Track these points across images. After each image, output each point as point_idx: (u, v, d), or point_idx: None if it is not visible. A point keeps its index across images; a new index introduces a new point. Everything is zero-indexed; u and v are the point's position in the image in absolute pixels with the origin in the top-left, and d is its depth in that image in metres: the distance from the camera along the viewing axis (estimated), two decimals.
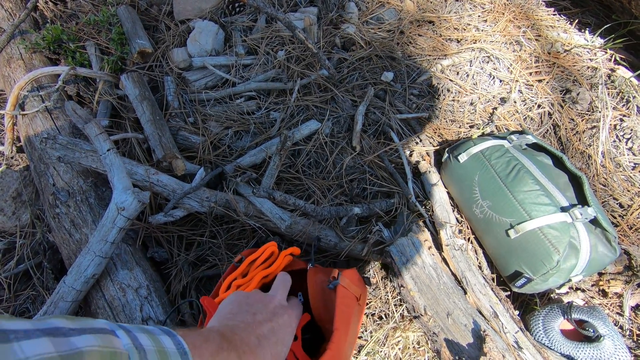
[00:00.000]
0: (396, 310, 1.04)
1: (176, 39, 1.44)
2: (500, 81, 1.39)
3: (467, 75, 1.40)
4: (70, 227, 1.01)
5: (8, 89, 1.25)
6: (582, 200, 0.91)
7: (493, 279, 1.01)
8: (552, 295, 1.03)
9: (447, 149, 1.12)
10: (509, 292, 0.99)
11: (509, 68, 1.41)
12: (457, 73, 1.41)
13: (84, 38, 1.42)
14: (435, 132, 1.29)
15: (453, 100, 1.35)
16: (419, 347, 1.00)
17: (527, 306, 1.03)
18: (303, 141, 1.27)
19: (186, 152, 1.22)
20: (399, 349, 1.00)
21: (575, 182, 0.95)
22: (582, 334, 0.84)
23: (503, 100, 1.35)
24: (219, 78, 1.38)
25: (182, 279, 1.05)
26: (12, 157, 1.31)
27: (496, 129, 1.28)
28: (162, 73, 1.37)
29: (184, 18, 1.49)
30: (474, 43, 1.46)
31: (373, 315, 1.06)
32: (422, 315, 0.84)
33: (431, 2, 1.62)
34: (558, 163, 1.00)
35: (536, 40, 1.49)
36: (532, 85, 1.38)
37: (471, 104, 1.35)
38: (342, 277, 0.83)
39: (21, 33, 1.34)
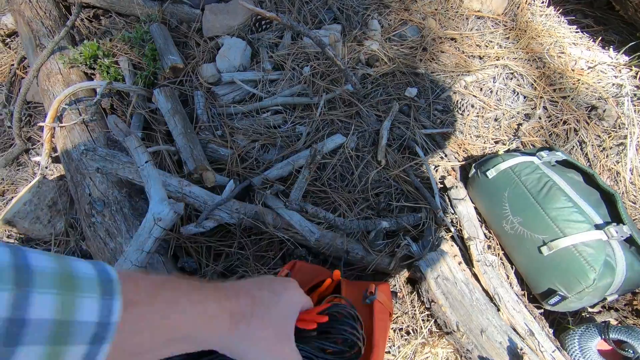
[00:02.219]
0: (424, 326, 1.03)
1: (205, 55, 1.49)
2: (525, 97, 1.40)
3: (491, 92, 1.41)
4: (105, 236, 1.03)
5: (47, 102, 1.30)
6: (616, 218, 0.90)
7: (524, 296, 1.00)
8: (584, 314, 1.01)
9: (474, 165, 1.13)
10: (542, 310, 0.98)
11: (532, 84, 1.42)
12: (481, 89, 1.42)
13: (117, 54, 1.48)
14: (460, 147, 1.29)
15: (477, 116, 1.36)
16: None
17: (558, 325, 1.01)
18: (329, 155, 1.29)
19: (215, 165, 1.25)
20: None
21: (608, 199, 0.95)
22: (621, 355, 0.83)
23: (528, 117, 1.35)
24: (247, 92, 1.41)
25: None
26: (46, 167, 1.36)
27: (522, 144, 1.28)
28: (192, 88, 1.41)
29: (213, 35, 1.55)
30: (497, 60, 1.48)
31: (400, 330, 1.05)
32: (454, 331, 0.84)
33: (453, 20, 1.65)
34: (589, 180, 1.00)
35: (559, 57, 1.50)
36: (557, 102, 1.38)
37: (495, 119, 1.36)
38: (378, 292, 0.83)
39: (60, 49, 1.40)
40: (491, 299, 0.89)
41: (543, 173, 0.98)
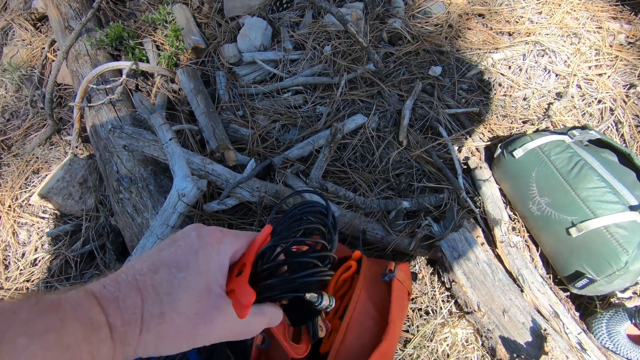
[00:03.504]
0: (444, 307, 1.02)
1: (227, 35, 1.49)
2: (557, 75, 1.33)
3: (520, 70, 1.35)
4: (132, 212, 1.07)
5: (76, 83, 1.34)
6: None
7: (550, 279, 0.97)
8: (613, 300, 0.97)
9: (500, 145, 1.09)
10: (568, 293, 0.95)
11: (566, 62, 1.35)
12: (509, 67, 1.36)
13: (142, 35, 1.50)
14: (485, 128, 1.25)
15: (505, 95, 1.30)
16: (468, 345, 0.98)
17: (585, 309, 0.98)
18: (349, 135, 1.28)
19: (236, 144, 1.27)
20: (447, 345, 0.98)
21: None
22: None
23: (559, 95, 1.29)
24: (267, 73, 1.41)
25: None
26: (76, 147, 1.41)
27: (552, 124, 1.23)
28: (213, 68, 1.42)
29: (234, 15, 1.54)
30: (528, 36, 1.41)
31: (419, 310, 1.05)
32: (475, 311, 0.83)
33: None
34: (624, 160, 0.95)
35: (596, 32, 1.41)
36: (592, 80, 1.31)
37: (524, 99, 1.30)
38: (398, 271, 0.83)
39: (87, 31, 1.44)
40: (514, 280, 0.87)
41: (574, 152, 0.93)
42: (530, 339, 0.75)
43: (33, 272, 1.19)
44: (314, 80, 1.37)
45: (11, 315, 0.25)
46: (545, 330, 0.74)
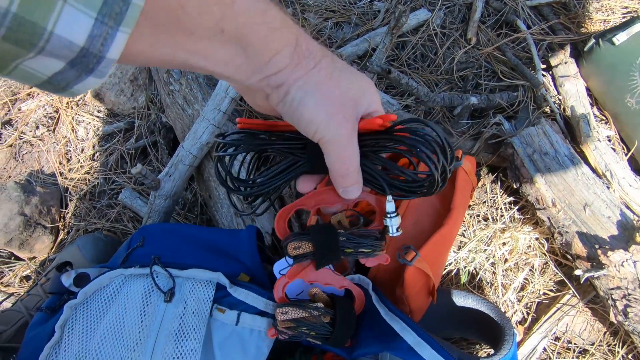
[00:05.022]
0: (505, 214, 0.95)
1: None
2: None
3: None
4: (183, 103, 1.05)
5: None
6: None
7: None
8: None
9: (593, 35, 0.93)
10: None
11: None
12: None
13: None
14: (573, 22, 1.07)
15: None
16: (530, 251, 0.92)
17: None
18: (410, 32, 1.15)
19: None
20: (506, 250, 0.93)
21: None
22: None
23: None
24: None
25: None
26: None
27: None
28: None
29: None
30: None
31: (478, 216, 0.99)
32: (548, 207, 0.75)
33: None
34: None
35: None
36: None
37: None
38: (464, 161, 0.76)
39: None
40: (600, 177, 0.77)
41: None
42: (616, 232, 0.67)
43: (92, 165, 1.24)
44: None
45: None
46: (637, 220, 0.66)
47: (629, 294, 0.60)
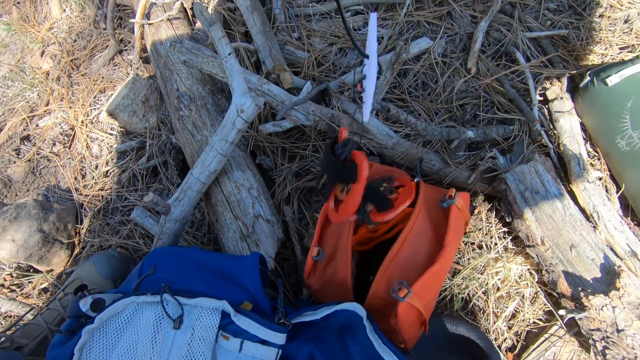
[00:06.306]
0: (499, 243, 0.99)
1: None
2: None
3: None
4: (192, 129, 1.11)
5: (135, 0, 1.34)
6: None
7: (629, 218, 0.89)
8: None
9: (589, 72, 0.96)
10: None
11: None
12: None
13: None
14: (571, 55, 1.10)
15: (601, 17, 1.11)
16: (522, 281, 0.96)
17: None
18: (411, 61, 1.19)
19: (291, 67, 1.23)
20: (499, 279, 0.97)
21: None
22: None
23: None
24: None
25: (286, 187, 1.11)
26: (137, 68, 1.45)
27: None
28: None
29: None
30: None
31: (472, 244, 1.03)
32: (537, 245, 0.79)
33: None
34: None
35: None
36: None
37: (626, 21, 1.10)
38: (458, 198, 0.80)
39: None
40: (588, 218, 0.80)
41: None
42: (599, 275, 0.71)
43: (106, 182, 1.30)
44: None
45: None
46: (619, 267, 0.69)
47: (608, 337, 0.64)
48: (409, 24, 1.22)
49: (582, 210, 0.82)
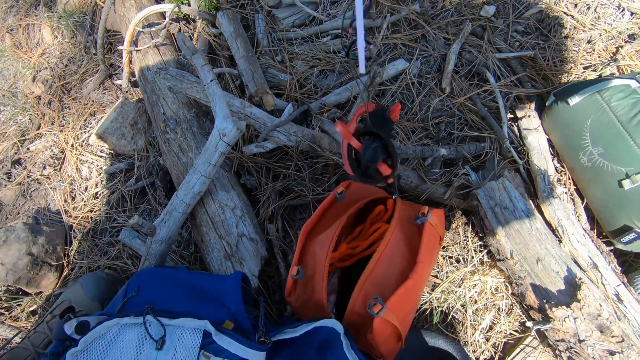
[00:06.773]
0: (475, 256, 1.02)
1: None
2: (632, 14, 1.17)
3: (588, 8, 1.20)
4: (178, 151, 1.14)
5: (124, 27, 1.39)
6: None
7: (593, 231, 0.93)
8: None
9: (553, 92, 1.01)
10: (611, 248, 0.91)
11: None
12: (576, 5, 1.21)
13: None
14: (539, 74, 1.15)
15: (566, 38, 1.18)
16: (497, 293, 0.99)
17: (629, 267, 0.94)
18: (389, 81, 1.24)
19: (274, 89, 1.28)
20: (476, 292, 1.00)
21: None
22: None
23: (632, 37, 1.14)
24: (307, 16, 1.37)
25: (270, 205, 1.15)
26: (127, 91, 1.49)
27: (618, 70, 1.10)
28: (252, 11, 1.40)
29: None
30: None
31: (450, 258, 1.06)
32: (507, 258, 0.82)
33: None
34: None
35: None
36: None
37: (589, 41, 1.17)
38: (431, 215, 0.83)
39: None
40: (553, 231, 0.84)
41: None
42: (563, 287, 0.74)
43: (95, 204, 1.33)
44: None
45: None
46: (580, 279, 0.73)
47: (571, 347, 0.67)
48: (386, 46, 1.28)
49: (549, 225, 0.86)
